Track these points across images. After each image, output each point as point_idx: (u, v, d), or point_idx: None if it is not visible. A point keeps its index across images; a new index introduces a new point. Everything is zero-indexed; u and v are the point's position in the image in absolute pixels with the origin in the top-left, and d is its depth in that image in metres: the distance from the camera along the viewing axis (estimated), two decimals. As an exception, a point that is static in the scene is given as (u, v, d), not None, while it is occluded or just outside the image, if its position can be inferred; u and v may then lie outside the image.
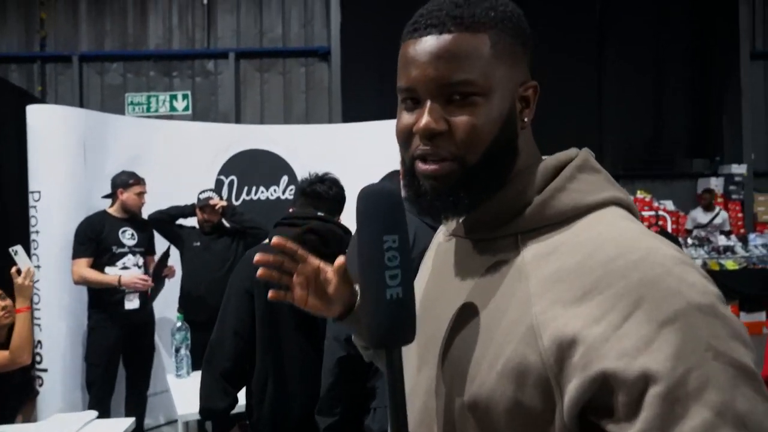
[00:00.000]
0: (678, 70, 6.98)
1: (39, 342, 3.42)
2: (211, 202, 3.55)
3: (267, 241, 2.06)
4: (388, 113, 4.61)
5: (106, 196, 3.50)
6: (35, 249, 3.50)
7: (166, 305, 3.73)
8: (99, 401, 3.30)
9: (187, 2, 6.88)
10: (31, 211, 3.53)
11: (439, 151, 0.67)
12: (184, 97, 6.77)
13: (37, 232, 3.50)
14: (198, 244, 3.54)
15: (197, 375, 2.89)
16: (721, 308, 0.57)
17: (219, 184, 4.25)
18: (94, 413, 2.44)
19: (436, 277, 0.79)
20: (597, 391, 0.56)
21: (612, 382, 0.55)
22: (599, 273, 0.59)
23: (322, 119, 6.52)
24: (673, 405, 0.53)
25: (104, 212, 3.44)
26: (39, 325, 3.43)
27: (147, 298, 3.48)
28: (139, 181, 3.47)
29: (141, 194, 3.46)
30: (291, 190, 4.41)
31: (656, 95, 6.99)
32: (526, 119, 0.70)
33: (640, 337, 0.54)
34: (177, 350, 2.85)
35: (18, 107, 4.20)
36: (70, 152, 3.61)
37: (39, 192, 3.51)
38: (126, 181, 3.42)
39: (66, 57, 6.81)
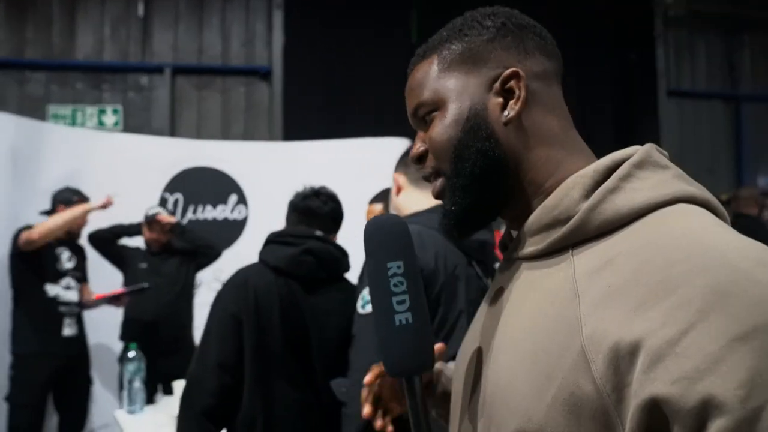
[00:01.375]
0: (600, 105, 7.40)
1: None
2: (160, 217, 3.30)
3: (228, 266, 1.89)
4: (333, 133, 4.55)
5: (45, 213, 3.18)
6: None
7: (100, 331, 3.41)
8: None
9: (121, 14, 6.56)
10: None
11: (428, 170, 0.71)
12: (115, 111, 6.41)
13: (-43, 249, 3.12)
14: (145, 265, 3.28)
15: (150, 409, 2.65)
16: None
17: (163, 202, 4.00)
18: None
19: (490, 302, 0.73)
20: (650, 421, 0.47)
21: (666, 411, 0.46)
22: (658, 279, 0.50)
23: (262, 139, 6.36)
24: None
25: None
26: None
27: (83, 324, 3.17)
28: (84, 200, 3.18)
29: (84, 214, 3.17)
30: (239, 209, 4.22)
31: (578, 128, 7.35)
32: (509, 113, 0.66)
33: (705, 355, 0.45)
34: (130, 382, 2.58)
35: None
36: (1, 163, 3.27)
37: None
38: (69, 198, 3.12)
39: (-22, 61, 6.26)
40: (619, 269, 0.54)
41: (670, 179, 0.60)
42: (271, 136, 6.44)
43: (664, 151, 0.65)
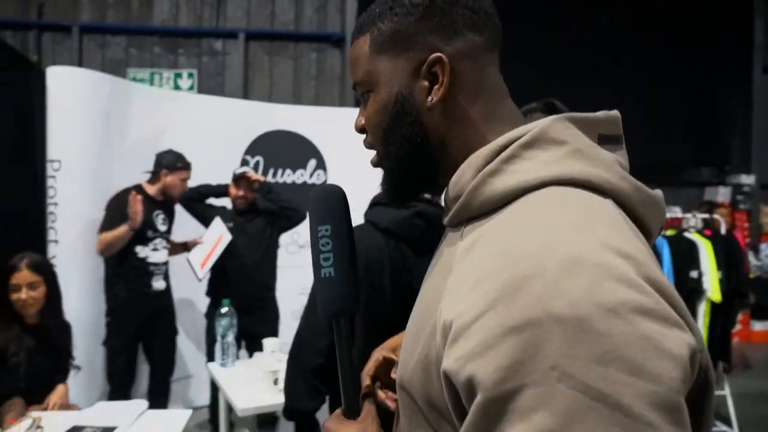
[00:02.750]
0: (689, 78, 7.01)
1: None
2: (248, 174, 3.32)
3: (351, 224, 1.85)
4: None
5: (149, 173, 3.24)
6: (53, 222, 3.24)
7: (183, 287, 3.49)
8: (120, 390, 3.06)
9: (195, -21, 6.60)
10: (50, 182, 3.26)
11: (365, 143, 0.75)
12: (190, 75, 6.50)
13: (55, 204, 3.24)
14: (231, 225, 3.31)
15: (240, 364, 2.70)
16: (604, 325, 0.46)
17: (244, 164, 4.03)
18: (145, 403, 2.22)
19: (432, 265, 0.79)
20: (449, 388, 0.54)
21: (453, 383, 0.53)
22: (487, 267, 0.54)
23: (333, 106, 6.33)
24: (493, 418, 0.49)
25: (140, 188, 3.18)
26: (54, 304, 3.15)
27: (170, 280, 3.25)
28: (187, 166, 3.22)
29: (185, 181, 3.22)
30: (318, 174, 4.21)
31: (665, 103, 7.00)
32: (433, 98, 0.67)
33: (482, 340, 0.50)
34: (223, 337, 2.63)
35: (14, 72, 3.91)
36: (93, 120, 3.35)
37: (59, 161, 3.25)
38: (173, 163, 3.16)
39: (65, 27, 6.47)
40: (475, 252, 0.59)
41: (557, 158, 0.59)
42: (341, 104, 6.41)
43: (595, 114, 0.64)
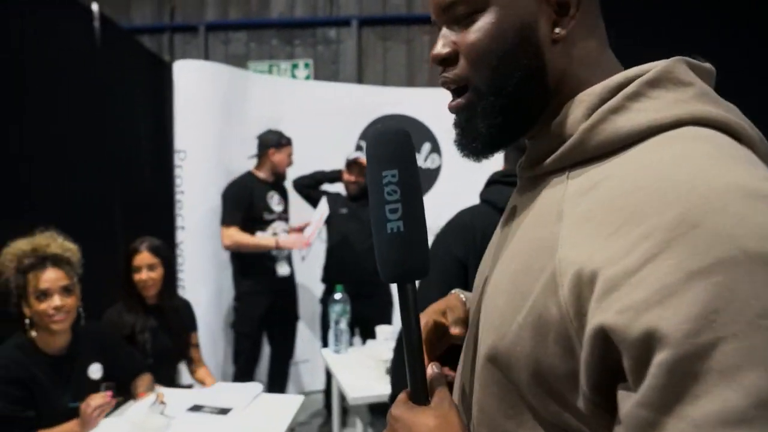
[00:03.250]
0: None
1: (182, 305, 3.32)
2: (360, 160, 3.29)
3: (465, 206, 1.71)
4: None
5: (254, 156, 3.33)
6: (180, 209, 3.41)
7: (302, 272, 3.54)
8: (245, 372, 3.17)
9: (311, -30, 6.70)
10: (176, 171, 3.43)
11: (452, 77, 0.64)
12: (306, 65, 6.63)
13: (182, 192, 3.40)
14: (345, 211, 3.30)
15: (353, 351, 2.67)
16: None
17: (359, 149, 4.01)
18: (260, 386, 2.25)
19: (503, 223, 0.72)
20: (601, 350, 0.45)
21: (615, 341, 0.44)
22: (633, 207, 0.47)
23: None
24: (682, 380, 0.40)
25: (250, 174, 3.27)
26: (183, 286, 3.33)
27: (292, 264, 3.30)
28: (290, 142, 3.27)
29: (290, 156, 3.27)
30: (433, 158, 4.10)
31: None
32: (560, 30, 0.60)
33: (660, 287, 0.42)
34: (336, 323, 2.61)
35: (151, 71, 4.17)
36: (213, 110, 3.48)
37: (184, 151, 3.40)
38: (278, 140, 3.22)
39: (193, 27, 6.86)
40: (601, 193, 0.52)
41: (686, 99, 0.54)
42: (455, 86, 6.24)
43: (704, 64, 0.59)
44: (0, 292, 1.93)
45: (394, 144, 0.64)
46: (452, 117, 0.68)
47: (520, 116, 0.63)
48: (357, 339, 3.24)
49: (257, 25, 6.69)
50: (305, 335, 3.81)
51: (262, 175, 3.25)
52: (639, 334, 0.42)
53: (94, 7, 3.61)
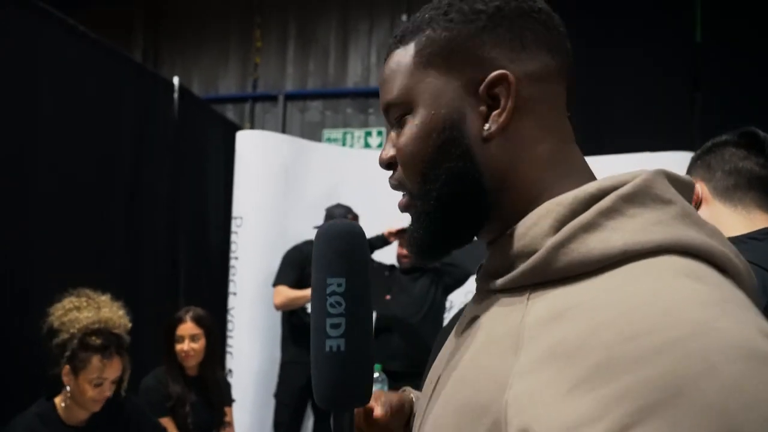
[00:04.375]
0: None
1: (230, 370, 3.29)
2: None
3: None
4: (590, 149, 3.93)
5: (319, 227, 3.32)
6: (233, 275, 3.43)
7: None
8: (283, 444, 3.05)
9: (386, 40, 6.93)
10: (233, 237, 3.48)
11: (392, 182, 0.61)
12: (379, 133, 6.73)
13: (236, 258, 3.43)
14: (394, 288, 3.18)
15: None
16: None
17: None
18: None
19: (456, 333, 0.63)
20: None
21: None
22: (604, 354, 0.39)
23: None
24: None
25: (311, 242, 3.26)
26: (231, 353, 3.31)
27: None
28: (356, 217, 3.24)
29: None
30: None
31: None
32: (491, 126, 0.53)
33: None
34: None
35: (229, 139, 4.36)
36: (273, 178, 3.54)
37: (241, 218, 3.46)
38: (344, 215, 3.21)
39: (273, 96, 7.21)
40: (566, 328, 0.43)
41: (667, 220, 0.47)
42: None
43: (683, 177, 0.52)
44: (49, 351, 1.93)
45: (346, 246, 0.56)
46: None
47: (454, 222, 0.57)
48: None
49: (333, 95, 6.94)
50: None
51: (325, 246, 3.25)
52: None
53: (175, 80, 3.87)
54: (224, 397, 2.56)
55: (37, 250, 2.44)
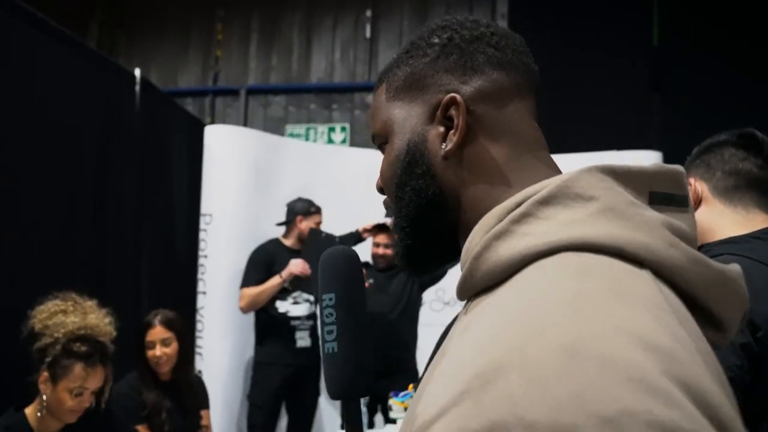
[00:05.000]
0: None
1: (200, 371, 3.20)
2: (390, 224, 3.18)
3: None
4: (559, 147, 4.00)
5: (282, 224, 3.26)
6: (202, 274, 3.34)
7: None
8: (258, 447, 2.99)
9: (350, 37, 6.89)
10: (201, 235, 3.38)
11: (384, 205, 0.67)
12: (342, 129, 6.69)
13: (205, 256, 3.34)
14: (371, 281, 3.16)
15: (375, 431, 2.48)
16: None
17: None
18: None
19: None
20: None
21: None
22: (465, 354, 0.43)
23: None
24: None
25: (277, 241, 3.20)
26: (200, 354, 3.22)
27: (317, 337, 3.16)
28: (319, 210, 3.20)
29: (318, 224, 3.19)
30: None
31: None
32: (447, 145, 0.58)
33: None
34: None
35: (191, 134, 4.23)
36: (243, 174, 3.46)
37: (210, 215, 3.37)
38: (307, 209, 3.16)
39: (235, 91, 7.06)
40: (468, 334, 0.46)
41: (581, 218, 0.47)
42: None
43: (643, 167, 0.51)
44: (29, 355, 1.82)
45: (335, 268, 0.66)
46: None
47: (424, 238, 0.63)
48: (379, 417, 3.03)
49: (296, 90, 6.84)
50: (327, 410, 3.62)
51: (288, 242, 3.18)
52: None
53: (137, 72, 3.72)
54: (200, 401, 2.48)
55: None
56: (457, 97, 0.58)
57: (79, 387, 1.77)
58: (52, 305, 1.87)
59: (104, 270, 2.96)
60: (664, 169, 0.52)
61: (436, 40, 0.62)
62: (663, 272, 0.45)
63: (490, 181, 0.58)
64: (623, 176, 0.50)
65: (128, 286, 3.25)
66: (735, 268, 0.50)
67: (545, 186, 0.50)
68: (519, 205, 0.50)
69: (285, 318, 3.10)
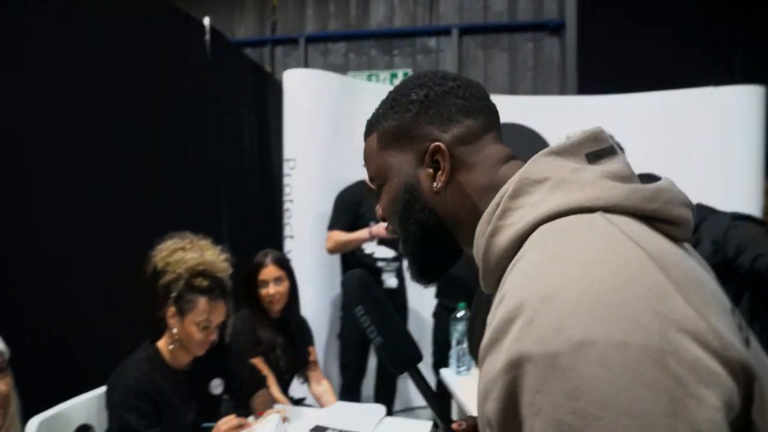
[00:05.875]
0: None
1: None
2: None
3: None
4: (627, 87, 3.83)
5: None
6: (288, 219, 3.36)
7: (415, 286, 3.38)
8: (351, 385, 3.05)
9: (409, -21, 6.64)
10: (285, 180, 3.38)
11: (389, 231, 0.81)
12: (405, 75, 6.54)
13: (291, 201, 3.35)
14: None
15: (476, 372, 2.48)
16: (571, 360, 0.47)
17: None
18: (383, 409, 2.10)
19: None
20: None
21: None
22: (493, 312, 0.57)
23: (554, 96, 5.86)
24: None
25: (363, 182, 3.17)
26: (291, 297, 3.25)
27: (404, 279, 3.16)
28: None
29: None
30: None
31: None
32: (437, 184, 0.72)
33: (483, 386, 0.54)
34: (458, 342, 2.43)
35: (257, 83, 4.21)
36: (325, 118, 3.42)
37: (294, 160, 3.35)
38: None
39: (293, 39, 6.96)
40: (505, 295, 0.57)
41: (542, 198, 0.61)
42: (562, 93, 5.94)
43: (569, 142, 0.65)
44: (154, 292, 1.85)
45: (354, 289, 0.89)
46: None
47: (432, 255, 0.78)
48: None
49: (356, 36, 6.70)
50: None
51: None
52: (485, 422, 0.54)
53: (206, 21, 3.67)
54: (307, 337, 2.52)
55: (77, 207, 2.33)
56: (441, 145, 0.71)
57: (204, 320, 1.80)
58: (171, 243, 1.89)
59: (189, 216, 2.97)
60: (588, 133, 0.65)
61: (415, 97, 0.74)
62: (612, 209, 0.58)
63: (476, 200, 0.71)
64: (562, 152, 0.63)
65: (212, 233, 3.28)
66: (664, 180, 0.63)
67: (511, 183, 0.64)
68: (497, 205, 0.64)
69: (371, 259, 3.10)
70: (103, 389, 1.89)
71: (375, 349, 0.88)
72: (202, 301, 1.80)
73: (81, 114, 2.37)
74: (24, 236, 2.12)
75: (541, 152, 0.64)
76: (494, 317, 0.55)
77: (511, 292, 0.53)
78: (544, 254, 0.55)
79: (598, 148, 0.64)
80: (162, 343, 1.87)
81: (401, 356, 0.86)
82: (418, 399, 3.77)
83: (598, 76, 5.71)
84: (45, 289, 2.17)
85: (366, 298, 0.87)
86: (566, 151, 0.63)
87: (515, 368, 0.49)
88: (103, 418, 1.87)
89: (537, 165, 0.63)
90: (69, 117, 2.32)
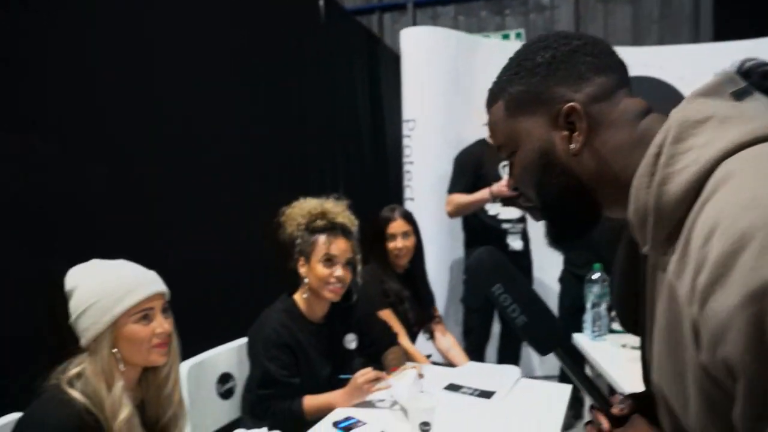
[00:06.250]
0: None
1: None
2: None
3: None
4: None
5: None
6: (408, 180, 3.32)
7: (541, 249, 3.24)
8: (475, 349, 3.00)
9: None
10: (405, 141, 3.34)
11: (523, 201, 0.80)
12: (518, 35, 6.27)
13: (411, 162, 3.30)
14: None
15: (613, 337, 2.34)
16: None
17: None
18: (517, 371, 2.02)
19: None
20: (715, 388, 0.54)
21: (715, 378, 0.54)
22: (704, 252, 0.53)
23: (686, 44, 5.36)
24: (761, 401, 0.48)
25: (483, 142, 3.05)
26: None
27: (528, 240, 3.03)
28: None
29: None
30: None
31: None
32: (575, 145, 0.70)
33: (711, 330, 0.51)
34: (594, 306, 2.29)
35: (366, 47, 4.18)
36: (443, 77, 3.32)
37: (413, 120, 3.29)
38: None
39: (401, 5, 6.87)
40: (692, 247, 0.56)
41: (712, 137, 0.59)
42: (695, 42, 5.43)
43: (713, 81, 0.64)
44: (280, 243, 1.90)
45: (487, 268, 0.86)
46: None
47: (574, 219, 0.75)
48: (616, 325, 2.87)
49: (465, -2, 6.49)
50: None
51: (495, 141, 3.04)
52: (720, 367, 0.51)
53: (320, -12, 3.66)
54: (431, 295, 2.50)
55: (215, 178, 2.39)
56: (576, 105, 0.69)
57: (325, 254, 1.81)
58: (295, 203, 1.93)
59: (307, 181, 3.01)
60: (724, 75, 0.63)
61: (541, 60, 0.72)
62: None
63: (620, 155, 0.68)
64: (710, 93, 0.63)
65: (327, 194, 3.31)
66: None
67: (668, 130, 0.61)
68: (658, 155, 0.61)
69: (495, 221, 3.00)
70: (241, 341, 1.96)
71: (517, 329, 0.82)
72: (321, 238, 1.83)
73: (203, 83, 2.43)
74: (174, 206, 2.19)
75: (687, 97, 0.63)
76: (703, 257, 0.52)
77: (724, 224, 0.50)
78: (751, 183, 0.52)
79: (738, 88, 0.63)
80: (298, 296, 1.90)
81: (550, 338, 0.83)
82: (541, 368, 3.65)
83: (735, 20, 5.16)
84: (191, 251, 2.26)
85: (504, 276, 0.84)
86: (714, 92, 0.63)
87: (760, 299, 0.46)
88: (243, 368, 1.94)
89: (693, 107, 0.62)
90: (192, 88, 2.36)
